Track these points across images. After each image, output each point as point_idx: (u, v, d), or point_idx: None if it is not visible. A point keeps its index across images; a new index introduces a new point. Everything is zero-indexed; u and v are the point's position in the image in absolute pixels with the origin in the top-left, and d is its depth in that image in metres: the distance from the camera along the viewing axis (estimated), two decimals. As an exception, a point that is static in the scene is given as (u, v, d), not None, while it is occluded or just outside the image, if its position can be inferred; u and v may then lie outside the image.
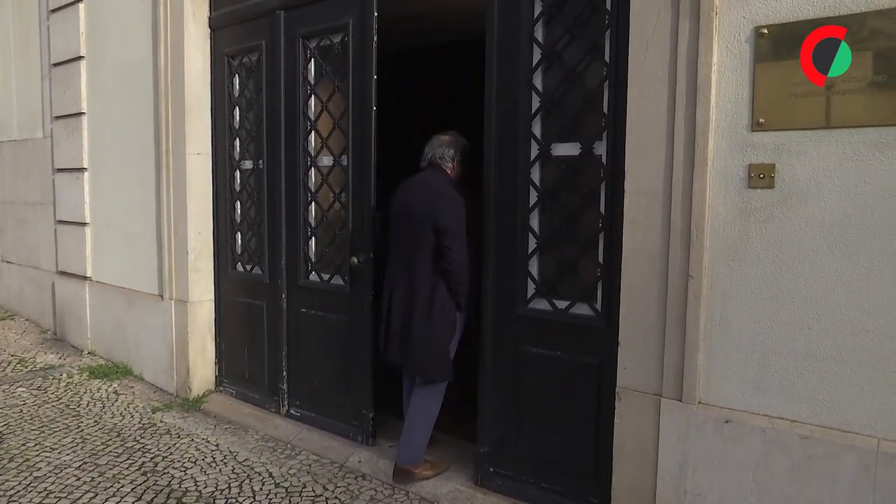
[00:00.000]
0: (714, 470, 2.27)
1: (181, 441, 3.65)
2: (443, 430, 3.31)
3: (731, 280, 2.23)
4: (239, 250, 4.24)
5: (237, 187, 4.22)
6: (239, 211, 4.23)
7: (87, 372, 4.82)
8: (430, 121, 4.02)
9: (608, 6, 2.52)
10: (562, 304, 2.73)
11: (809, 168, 2.07)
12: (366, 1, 3.30)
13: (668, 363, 2.36)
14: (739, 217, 2.20)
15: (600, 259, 2.62)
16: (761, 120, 2.14)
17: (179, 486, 3.11)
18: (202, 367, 4.35)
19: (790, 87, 2.08)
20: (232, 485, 3.14)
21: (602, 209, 2.59)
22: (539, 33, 2.73)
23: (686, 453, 2.32)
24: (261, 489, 3.10)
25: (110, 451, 3.49)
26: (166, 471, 3.27)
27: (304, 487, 3.12)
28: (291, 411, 3.91)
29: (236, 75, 4.17)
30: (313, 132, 3.73)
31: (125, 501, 2.96)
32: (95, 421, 3.92)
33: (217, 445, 3.61)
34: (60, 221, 5.58)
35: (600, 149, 2.59)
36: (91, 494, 3.01)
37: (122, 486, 3.09)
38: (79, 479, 3.17)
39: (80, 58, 5.14)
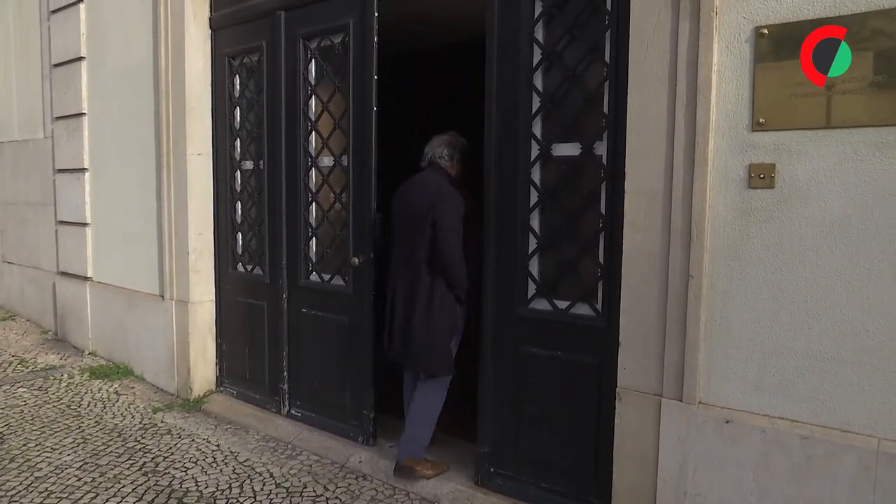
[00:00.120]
0: (714, 470, 2.27)
1: (182, 441, 3.65)
2: (443, 430, 3.31)
3: (732, 280, 2.23)
4: (240, 251, 4.24)
5: (238, 188, 4.22)
6: (240, 211, 4.23)
7: (87, 372, 4.83)
8: (430, 122, 4.02)
9: (608, 7, 2.52)
10: (562, 305, 2.73)
11: (810, 168, 2.07)
12: (366, 1, 3.31)
13: (668, 363, 2.36)
14: (740, 217, 2.20)
15: (601, 259, 2.62)
16: (761, 120, 2.14)
17: (180, 487, 3.12)
18: (203, 367, 4.35)
19: (790, 87, 2.08)
20: (233, 485, 3.15)
21: (602, 209, 2.59)
22: (539, 34, 2.74)
23: (686, 453, 2.32)
24: (261, 489, 3.10)
25: (111, 452, 3.49)
26: (167, 471, 3.27)
27: (305, 488, 3.13)
28: (292, 411, 3.91)
29: (237, 76, 4.17)
30: (314, 133, 3.73)
31: (126, 502, 2.97)
32: (96, 421, 3.92)
33: (218, 445, 3.61)
34: (61, 222, 5.58)
35: (601, 149, 2.59)
36: (92, 494, 3.02)
37: (123, 487, 3.10)
38: (80, 479, 3.17)
39: (80, 58, 5.14)
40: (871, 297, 2.00)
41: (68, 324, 5.58)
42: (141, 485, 3.12)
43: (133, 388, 4.56)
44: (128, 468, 3.30)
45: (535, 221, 2.80)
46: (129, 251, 4.85)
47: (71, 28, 5.20)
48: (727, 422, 2.24)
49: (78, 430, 3.77)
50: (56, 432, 3.74)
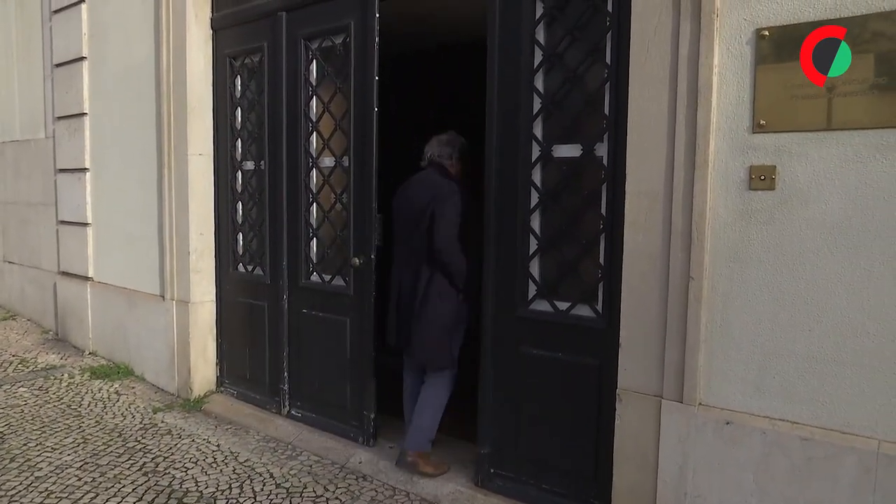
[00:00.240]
0: (714, 471, 2.27)
1: (182, 441, 3.66)
2: (443, 431, 3.31)
3: (732, 282, 2.23)
4: (240, 251, 4.25)
5: (239, 188, 4.23)
6: (240, 212, 4.23)
7: (88, 372, 4.83)
8: (430, 123, 4.02)
9: (609, 8, 2.53)
10: (563, 306, 2.73)
11: (810, 170, 2.07)
12: (367, 2, 3.31)
13: (668, 364, 2.36)
14: (740, 219, 2.21)
15: (601, 260, 2.62)
16: (762, 122, 2.14)
17: (180, 487, 3.12)
18: (203, 367, 4.35)
19: (791, 88, 2.08)
20: (233, 485, 3.15)
21: (603, 210, 2.59)
22: (540, 35, 2.74)
23: (686, 455, 2.32)
24: (262, 490, 3.10)
25: (111, 452, 3.49)
26: (167, 471, 3.28)
27: (305, 488, 3.13)
28: (292, 412, 3.91)
29: (238, 76, 4.17)
30: (315, 133, 3.74)
31: (126, 502, 2.97)
32: (97, 421, 3.93)
33: (218, 446, 3.61)
34: (62, 222, 5.59)
35: (601, 150, 2.59)
36: (92, 495, 3.02)
37: (123, 487, 3.10)
38: (80, 479, 3.17)
39: (82, 58, 5.15)
40: (872, 298, 2.00)
41: (69, 324, 5.59)
42: (141, 485, 3.12)
43: (133, 388, 4.56)
44: (128, 468, 3.30)
45: (535, 222, 2.80)
46: (129, 251, 4.85)
47: (72, 28, 5.21)
48: (727, 423, 2.24)
49: (78, 430, 3.77)
50: (56, 432, 3.74)
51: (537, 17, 2.73)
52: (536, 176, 2.78)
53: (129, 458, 3.41)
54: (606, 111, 2.56)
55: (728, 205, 2.23)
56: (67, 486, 3.10)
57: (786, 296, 2.14)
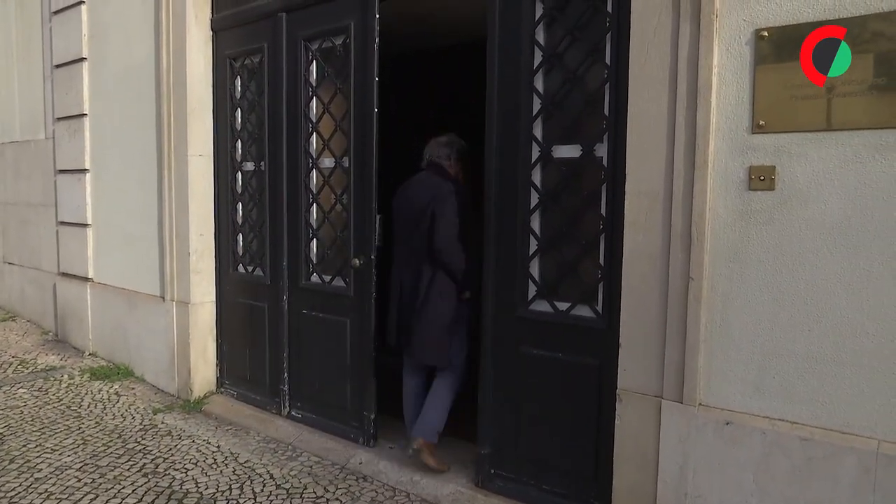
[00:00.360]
0: (714, 471, 2.27)
1: (182, 442, 3.66)
2: (444, 431, 3.30)
3: (732, 282, 2.24)
4: (240, 252, 4.25)
5: (239, 189, 4.23)
6: (240, 212, 4.24)
7: (88, 373, 4.83)
8: (430, 123, 4.02)
9: (609, 8, 2.53)
10: (563, 306, 2.73)
11: (809, 170, 2.08)
12: (367, 3, 3.31)
13: (668, 365, 2.36)
14: (740, 219, 2.21)
15: (601, 261, 2.62)
16: (762, 122, 2.14)
17: (180, 488, 3.12)
18: (203, 368, 4.35)
19: (790, 89, 2.09)
20: (233, 486, 3.15)
21: (603, 211, 2.60)
22: (540, 35, 2.74)
23: (686, 455, 2.32)
24: (262, 490, 3.10)
25: (111, 453, 3.49)
26: (167, 472, 3.28)
27: (305, 489, 3.13)
28: (292, 413, 3.91)
29: (238, 77, 4.18)
30: (315, 134, 3.74)
31: (126, 503, 2.97)
32: (96, 422, 3.93)
33: (218, 447, 3.61)
34: (62, 223, 5.59)
35: (601, 151, 2.60)
36: (92, 496, 3.02)
37: (123, 488, 3.10)
38: (80, 480, 3.17)
39: (82, 59, 5.15)
40: (871, 299, 2.00)
41: (69, 324, 5.59)
42: (141, 486, 3.12)
43: (133, 388, 4.56)
44: (128, 469, 3.30)
45: (535, 223, 2.80)
46: (129, 252, 4.85)
47: (72, 29, 5.21)
48: (727, 423, 2.24)
49: (78, 431, 3.77)
50: (56, 433, 3.74)
51: (537, 17, 2.74)
52: (536, 176, 2.79)
53: (129, 459, 3.41)
54: (606, 112, 2.56)
55: (728, 205, 2.23)
56: (67, 487, 3.10)
57: (785, 296, 2.14)
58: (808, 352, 2.11)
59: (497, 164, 2.86)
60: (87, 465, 3.34)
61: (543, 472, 2.82)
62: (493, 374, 2.93)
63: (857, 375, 2.03)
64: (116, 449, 3.54)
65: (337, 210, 3.65)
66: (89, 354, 5.28)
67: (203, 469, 3.33)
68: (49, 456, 3.43)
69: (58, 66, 5.45)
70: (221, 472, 3.30)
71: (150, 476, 3.23)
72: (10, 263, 6.70)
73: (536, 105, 2.76)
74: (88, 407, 4.19)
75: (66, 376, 4.77)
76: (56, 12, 5.41)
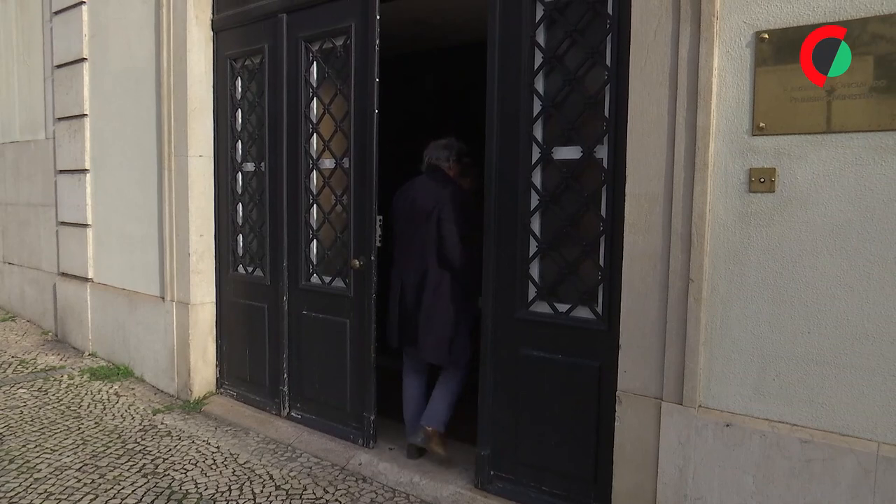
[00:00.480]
0: (714, 473, 2.27)
1: (182, 443, 3.65)
2: (444, 432, 3.31)
3: (732, 284, 2.24)
4: (240, 252, 4.25)
5: (239, 189, 4.23)
6: (240, 213, 4.24)
7: (87, 373, 4.83)
8: (431, 124, 4.03)
9: (609, 10, 2.53)
10: (562, 308, 2.73)
11: (810, 172, 2.08)
12: (368, 4, 3.32)
13: (668, 366, 2.36)
14: (740, 221, 2.21)
15: (601, 262, 2.62)
16: (762, 124, 2.14)
17: (180, 489, 3.12)
18: (203, 368, 4.35)
19: (791, 91, 2.09)
20: (232, 487, 3.15)
21: (603, 212, 2.60)
22: (541, 37, 2.74)
23: (686, 457, 2.32)
24: (261, 491, 3.10)
25: (111, 453, 3.49)
26: (167, 473, 3.28)
27: (305, 490, 3.13)
28: (292, 413, 3.91)
29: (238, 78, 4.18)
30: (315, 135, 3.74)
31: (126, 503, 2.97)
32: (96, 423, 3.92)
33: (218, 447, 3.61)
34: (62, 223, 5.59)
35: (601, 152, 2.60)
36: (91, 496, 3.02)
37: (122, 488, 3.10)
38: (79, 480, 3.17)
39: (82, 60, 5.16)
40: (871, 301, 2.00)
41: (68, 325, 5.59)
42: (140, 486, 3.12)
43: (133, 389, 4.56)
44: (127, 470, 3.30)
45: (535, 224, 2.80)
46: (129, 252, 4.85)
47: (73, 29, 5.21)
48: (727, 425, 2.24)
49: (78, 432, 3.77)
50: (56, 433, 3.74)
51: (537, 19, 2.74)
52: (537, 178, 2.79)
53: (129, 460, 3.41)
54: (606, 113, 2.56)
55: (728, 207, 2.23)
56: (67, 487, 3.10)
57: (785, 298, 2.14)
58: (808, 354, 2.11)
59: (497, 165, 2.86)
60: (86, 465, 3.34)
61: (543, 473, 2.82)
62: (492, 376, 2.93)
63: (856, 377, 2.04)
64: (116, 449, 3.54)
65: (337, 211, 3.66)
66: (89, 355, 5.28)
67: (203, 470, 3.33)
68: (49, 456, 3.43)
69: (58, 67, 5.45)
70: (221, 472, 3.30)
71: (149, 476, 3.23)
72: (10, 263, 6.70)
73: (537, 106, 2.76)
74: (88, 407, 4.19)
75: (65, 376, 4.77)
76: (57, 12, 5.42)
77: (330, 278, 3.69)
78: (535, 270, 2.82)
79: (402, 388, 3.43)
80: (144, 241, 4.65)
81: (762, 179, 2.15)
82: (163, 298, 4.49)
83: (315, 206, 3.78)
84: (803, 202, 2.09)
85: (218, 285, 4.37)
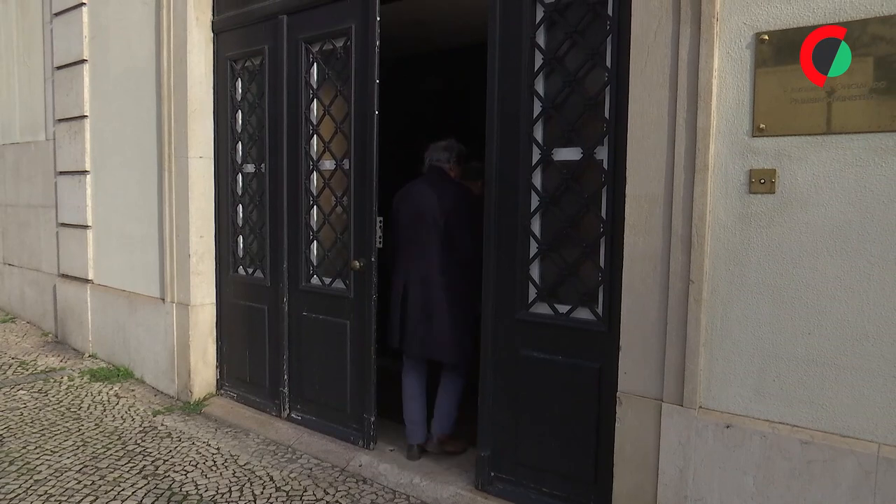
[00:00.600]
0: (715, 475, 2.27)
1: (182, 444, 3.65)
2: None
3: (732, 285, 2.24)
4: (241, 254, 4.25)
5: (239, 191, 4.23)
6: (241, 214, 4.24)
7: (88, 375, 4.83)
8: (431, 126, 4.03)
9: (609, 12, 2.53)
10: (563, 309, 2.73)
11: (810, 173, 2.08)
12: (368, 5, 3.32)
13: (668, 368, 2.36)
14: (740, 222, 2.21)
15: (601, 263, 2.62)
16: (762, 125, 2.15)
17: (180, 490, 3.11)
18: (203, 370, 4.35)
19: (791, 92, 2.09)
20: (233, 488, 3.15)
21: (603, 214, 2.60)
22: (541, 39, 2.75)
23: (687, 458, 2.32)
24: (261, 493, 3.10)
25: (111, 455, 3.49)
26: (167, 474, 3.27)
27: (305, 491, 3.12)
28: (292, 415, 3.91)
29: (239, 79, 4.18)
30: (315, 136, 3.74)
31: (126, 504, 2.97)
32: (96, 424, 3.92)
33: (218, 449, 3.61)
34: (62, 224, 5.59)
35: (601, 153, 2.60)
36: (92, 498, 3.01)
37: (122, 490, 3.10)
38: (79, 482, 3.17)
39: (82, 61, 5.16)
40: (871, 302, 2.00)
41: (69, 326, 5.58)
42: (141, 488, 3.12)
43: (133, 390, 4.56)
44: (128, 471, 3.30)
45: (535, 225, 2.80)
46: (129, 254, 4.85)
47: (73, 31, 5.22)
48: (728, 426, 2.24)
49: (78, 433, 3.77)
50: (56, 435, 3.74)
51: (538, 20, 2.74)
52: (537, 179, 2.79)
53: (129, 461, 3.41)
54: (606, 115, 2.56)
55: (728, 208, 2.23)
56: (67, 489, 3.09)
57: (786, 299, 2.14)
58: (809, 355, 2.11)
59: (497, 166, 2.86)
60: (86, 466, 3.34)
61: (543, 474, 2.82)
62: (493, 377, 2.93)
63: (857, 379, 2.03)
64: (116, 451, 3.54)
65: (337, 212, 3.66)
66: (89, 356, 5.28)
67: (203, 471, 3.32)
68: (49, 458, 3.43)
69: (58, 68, 5.45)
70: (221, 474, 3.30)
71: (149, 478, 3.23)
72: (10, 265, 6.70)
73: (537, 108, 2.76)
74: (88, 409, 4.19)
75: (65, 378, 4.77)
76: (57, 14, 5.42)
77: (330, 279, 3.69)
78: (535, 271, 2.82)
79: (402, 388, 3.43)
80: (144, 242, 4.65)
81: (762, 180, 2.15)
82: (163, 300, 4.49)
83: (315, 207, 3.78)
84: (803, 203, 2.09)
85: (218, 286, 4.37)
